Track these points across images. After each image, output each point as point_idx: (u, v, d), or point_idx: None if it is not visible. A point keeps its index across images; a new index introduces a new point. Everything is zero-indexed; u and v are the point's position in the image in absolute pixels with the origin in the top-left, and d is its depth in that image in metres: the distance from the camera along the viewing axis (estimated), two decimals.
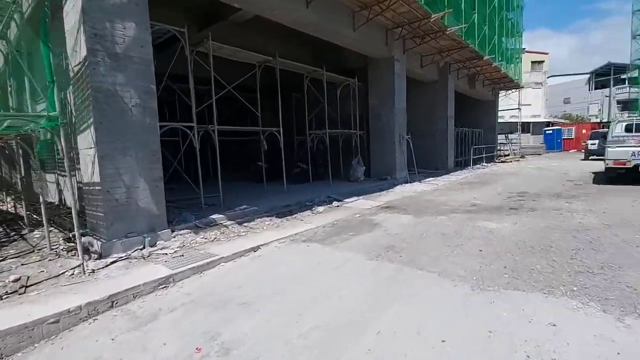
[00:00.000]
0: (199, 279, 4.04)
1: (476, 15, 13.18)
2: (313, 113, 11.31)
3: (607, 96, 39.35)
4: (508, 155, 24.32)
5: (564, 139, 30.24)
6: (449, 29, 10.59)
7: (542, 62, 36.93)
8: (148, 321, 3.09)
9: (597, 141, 18.65)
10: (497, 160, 21.27)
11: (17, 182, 7.92)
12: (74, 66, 4.77)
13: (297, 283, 3.70)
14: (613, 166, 9.21)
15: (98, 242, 4.68)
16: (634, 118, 11.69)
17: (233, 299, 3.41)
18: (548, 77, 39.86)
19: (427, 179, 12.48)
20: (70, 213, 4.16)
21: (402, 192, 9.83)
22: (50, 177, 6.57)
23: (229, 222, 6.25)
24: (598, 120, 34.42)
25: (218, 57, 8.41)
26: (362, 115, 12.27)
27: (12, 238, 5.81)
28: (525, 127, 31.87)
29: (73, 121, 5.18)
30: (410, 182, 11.50)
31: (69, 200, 5.01)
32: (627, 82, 36.05)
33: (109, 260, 4.43)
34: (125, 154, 4.78)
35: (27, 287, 3.66)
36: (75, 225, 4.05)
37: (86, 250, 4.69)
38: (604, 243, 4.45)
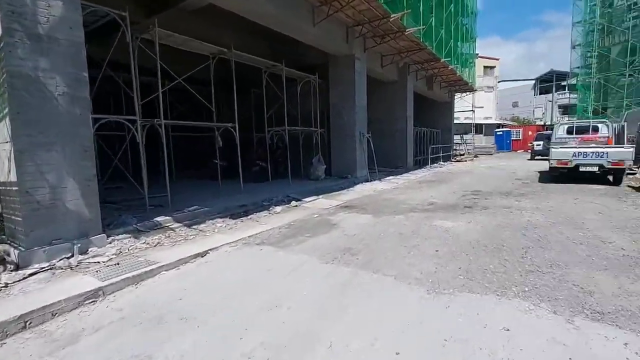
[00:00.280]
0: (134, 290, 3.61)
1: (434, 18, 13.50)
2: (272, 109, 10.96)
3: (550, 101, 42.56)
4: (463, 154, 25.43)
5: (512, 140, 32.25)
6: (407, 30, 10.70)
7: (494, 67, 39.09)
8: (67, 344, 2.64)
9: (542, 142, 20.01)
10: (453, 160, 22.12)
11: None
12: None
13: (246, 292, 3.40)
14: (556, 166, 9.79)
15: (15, 250, 4.06)
16: (574, 121, 12.58)
17: (171, 313, 3.05)
18: (499, 82, 42.33)
19: (388, 178, 12.59)
20: None
21: (362, 190, 9.78)
22: None
23: (176, 225, 5.77)
24: (542, 123, 37.12)
25: (172, 48, 7.83)
26: (323, 113, 12.11)
27: None
28: (478, 129, 33.56)
29: None
30: (371, 181, 11.52)
31: None
32: (567, 88, 39.18)
33: (28, 271, 3.85)
34: (49, 150, 4.18)
35: None
36: None
37: (1, 261, 4.06)
38: (551, 241, 4.59)
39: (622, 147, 9.53)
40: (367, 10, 9.32)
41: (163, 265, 4.17)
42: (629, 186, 9.22)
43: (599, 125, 11.64)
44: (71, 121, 4.34)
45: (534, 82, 47.16)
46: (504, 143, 32.17)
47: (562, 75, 40.55)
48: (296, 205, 7.66)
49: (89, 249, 4.43)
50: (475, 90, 23.94)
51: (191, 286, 3.62)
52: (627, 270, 3.53)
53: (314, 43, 9.97)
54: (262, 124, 11.18)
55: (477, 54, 26.93)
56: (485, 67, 37.97)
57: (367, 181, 11.41)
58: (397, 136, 15.80)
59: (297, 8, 8.43)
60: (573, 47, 27.11)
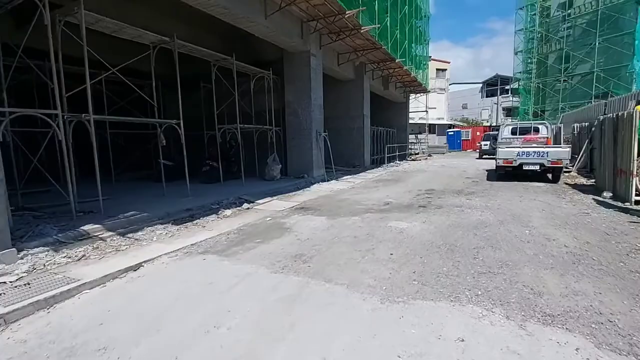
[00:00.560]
0: (45, 316, 3.04)
1: (389, 18, 13.61)
2: (223, 106, 10.36)
3: (495, 103, 45.42)
4: (418, 154, 26.24)
5: (462, 140, 33.93)
6: (363, 28, 10.64)
7: (445, 70, 40.84)
8: None
9: (488, 142, 21.15)
10: (408, 159, 22.71)
11: None
12: None
13: (181, 311, 2.98)
14: (502, 165, 10.25)
15: None
16: (518, 123, 13.33)
17: (87, 344, 2.57)
18: (450, 84, 44.38)
19: (345, 177, 12.50)
20: None
21: (319, 191, 9.56)
22: None
23: (107, 234, 5.12)
24: (489, 124, 39.48)
25: (112, 37, 7.04)
26: (278, 111, 11.72)
27: None
28: (432, 129, 34.89)
29: None
30: (328, 180, 11.34)
31: None
32: (510, 92, 42.04)
33: None
34: None
35: None
36: None
37: None
38: (500, 240, 4.63)
39: (561, 147, 10.19)
40: (321, 5, 9.09)
41: (85, 282, 3.60)
42: (566, 183, 9.88)
43: (540, 127, 12.43)
44: None
45: (481, 85, 50.10)
46: (455, 143, 33.76)
47: (506, 80, 43.44)
48: (248, 208, 7.23)
49: None
50: (429, 91, 24.78)
51: (117, 307, 3.13)
52: (572, 268, 3.59)
53: (267, 37, 9.55)
54: (213, 121, 10.56)
55: (430, 56, 27.94)
56: (437, 69, 39.53)
57: (324, 181, 11.22)
58: (355, 135, 15.81)
59: None
60: (515, 53, 29.06)
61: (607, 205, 6.64)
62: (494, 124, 36.18)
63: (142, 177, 12.10)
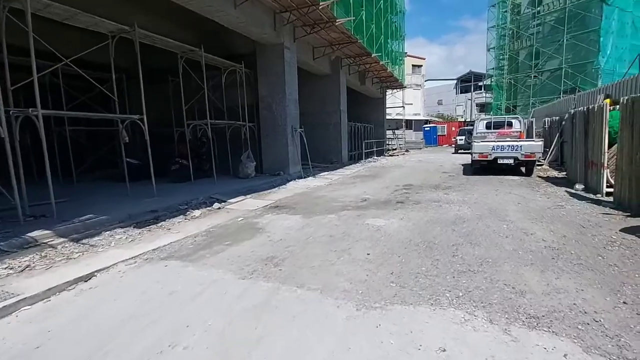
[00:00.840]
0: None
1: (364, 12, 13.43)
2: (193, 100, 9.87)
3: (469, 99, 46.45)
4: (395, 149, 26.36)
5: (438, 135, 34.44)
6: (338, 21, 10.38)
7: (421, 66, 41.35)
8: None
9: (464, 137, 21.47)
10: (386, 154, 22.75)
11: None
12: None
13: (134, 329, 2.64)
14: (478, 159, 10.29)
15: None
16: (492, 117, 13.49)
17: None
18: (425, 80, 45.00)
19: (322, 173, 12.26)
20: None
21: (295, 188, 9.26)
22: None
23: (58, 241, 4.64)
24: (463, 119, 40.33)
25: (69, 26, 6.44)
26: (252, 106, 11.30)
27: None
28: (408, 124, 35.22)
29: None
30: (304, 177, 11.06)
31: None
32: (483, 88, 43.05)
33: None
34: None
35: None
36: None
37: None
38: (479, 235, 4.51)
39: (534, 140, 10.35)
40: None
41: (26, 297, 3.18)
42: (539, 176, 10.04)
43: (513, 121, 12.62)
44: None
45: (455, 82, 51.11)
46: (432, 138, 34.22)
47: (479, 76, 44.46)
48: (219, 208, 6.85)
49: None
50: (405, 87, 24.89)
51: (59, 327, 2.74)
52: (551, 264, 3.48)
53: (237, 28, 9.11)
54: (183, 117, 10.03)
55: (406, 52, 28.11)
56: (413, 65, 39.95)
57: (301, 178, 10.93)
58: (332, 131, 15.59)
59: None
60: (488, 50, 29.68)
61: (580, 198, 6.71)
62: (469, 120, 36.98)
63: (107, 177, 11.39)
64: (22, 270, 3.78)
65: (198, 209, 6.68)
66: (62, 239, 4.70)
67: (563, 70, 21.68)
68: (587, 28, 20.54)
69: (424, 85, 43.89)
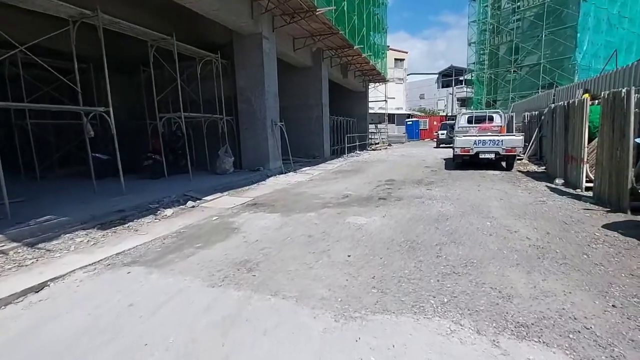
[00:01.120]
0: None
1: (346, 3, 13.12)
2: (167, 91, 9.38)
3: (450, 94, 46.95)
4: (378, 143, 26.32)
5: (420, 129, 34.66)
6: (318, 10, 10.04)
7: (403, 60, 41.33)
8: None
9: (445, 131, 21.57)
10: (369, 148, 22.65)
11: None
12: None
13: (84, 348, 2.32)
14: (460, 153, 10.24)
15: None
16: (474, 112, 13.52)
17: None
18: (408, 75, 45.11)
19: (303, 169, 11.99)
20: None
21: (275, 184, 8.96)
22: None
23: (10, 245, 4.21)
24: (445, 114, 40.73)
25: (24, 10, 5.87)
26: (229, 98, 10.87)
27: None
28: (391, 118, 35.28)
29: None
30: (285, 173, 10.76)
31: None
32: (464, 83, 43.57)
33: None
34: None
35: None
36: None
37: None
38: (462, 234, 4.37)
39: (514, 135, 10.37)
40: None
41: None
42: (519, 171, 10.09)
43: (494, 115, 12.67)
44: None
45: (437, 76, 51.53)
46: (414, 132, 34.41)
47: (460, 71, 44.96)
48: (193, 206, 6.49)
49: None
50: (388, 80, 24.78)
51: None
52: (537, 264, 3.36)
53: (212, 16, 8.64)
54: (159, 109, 9.53)
55: (389, 46, 27.98)
56: (395, 59, 39.88)
57: (281, 173, 10.62)
58: (313, 125, 15.30)
59: None
60: (469, 44, 29.92)
61: (560, 193, 6.71)
62: (450, 114, 37.35)
63: (75, 173, 10.75)
64: None
65: (170, 207, 6.31)
66: (14, 244, 4.26)
67: (541, 65, 22.05)
68: (565, 24, 20.92)
69: (407, 80, 43.99)
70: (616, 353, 2.04)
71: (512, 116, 15.42)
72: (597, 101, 7.90)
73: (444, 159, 14.01)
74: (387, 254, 3.77)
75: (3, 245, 4.21)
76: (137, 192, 7.29)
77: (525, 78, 23.77)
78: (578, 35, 19.94)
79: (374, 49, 19.43)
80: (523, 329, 2.30)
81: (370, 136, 25.75)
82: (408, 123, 35.42)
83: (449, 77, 48.70)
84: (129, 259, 3.97)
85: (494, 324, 2.36)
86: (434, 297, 2.77)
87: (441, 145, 21.81)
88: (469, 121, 12.82)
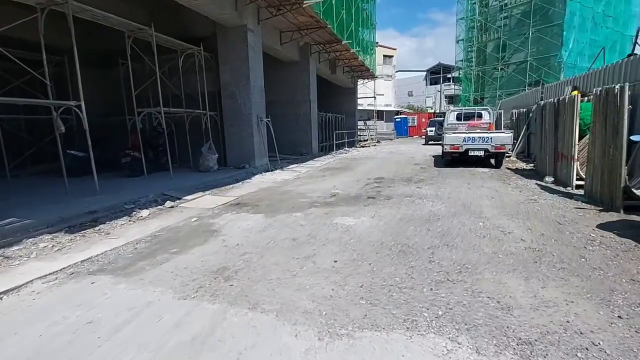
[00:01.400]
0: None
1: None
2: (146, 84, 8.94)
3: (438, 91, 47.16)
4: (367, 140, 26.15)
5: (409, 126, 34.64)
6: (305, 2, 9.71)
7: (392, 56, 41.31)
8: None
9: (434, 128, 21.53)
10: (357, 145, 22.46)
11: None
12: None
13: None
14: (450, 150, 10.10)
15: None
16: (463, 109, 13.41)
17: None
18: (396, 72, 45.08)
19: (290, 166, 11.68)
20: None
21: (260, 182, 8.64)
22: None
23: None
24: (433, 110, 40.87)
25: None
26: (214, 93, 10.47)
27: None
28: (380, 115, 35.21)
29: None
30: (272, 170, 10.44)
31: None
32: (452, 80, 43.77)
33: None
34: None
35: None
36: None
37: None
38: (455, 236, 4.16)
39: (504, 132, 10.28)
40: None
41: None
42: (508, 168, 10.01)
43: (483, 112, 12.58)
44: None
45: (425, 73, 51.68)
46: (402, 129, 34.37)
47: (448, 68, 45.13)
48: (172, 207, 6.14)
49: None
50: (377, 77, 24.58)
51: None
52: (534, 269, 3.17)
53: (193, 6, 8.21)
54: (139, 104, 9.08)
55: (377, 42, 27.78)
56: (384, 56, 39.82)
57: (268, 171, 10.30)
58: (301, 121, 14.98)
59: None
60: (457, 42, 29.94)
61: (551, 191, 6.60)
62: (438, 111, 37.48)
63: (49, 171, 10.20)
64: None
65: (147, 208, 5.94)
66: None
67: (528, 63, 22.18)
68: (552, 22, 21.06)
69: (395, 76, 43.96)
70: None
71: (500, 113, 15.41)
72: (586, 98, 7.84)
73: (433, 156, 13.90)
74: (377, 259, 3.53)
75: None
76: (113, 192, 6.89)
77: (512, 75, 23.91)
78: (564, 33, 20.10)
79: (362, 44, 19.15)
80: (527, 346, 2.08)
81: (359, 133, 25.56)
82: (397, 120, 35.37)
83: (437, 74, 48.90)
84: (96, 267, 3.63)
85: (494, 341, 2.14)
86: (428, 309, 2.54)
87: (430, 142, 21.76)
88: (458, 118, 12.70)
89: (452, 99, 44.13)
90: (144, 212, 5.65)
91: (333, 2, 12.63)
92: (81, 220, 5.18)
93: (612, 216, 4.81)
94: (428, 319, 2.41)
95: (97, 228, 4.92)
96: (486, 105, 20.27)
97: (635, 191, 5.18)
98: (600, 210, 5.10)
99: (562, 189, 6.70)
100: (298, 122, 14.87)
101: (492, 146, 9.62)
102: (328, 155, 15.77)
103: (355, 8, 16.63)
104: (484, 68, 26.88)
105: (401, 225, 4.69)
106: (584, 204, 5.55)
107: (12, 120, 10.58)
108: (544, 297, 2.65)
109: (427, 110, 44.27)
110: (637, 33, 11.25)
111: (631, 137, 4.95)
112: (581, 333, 2.20)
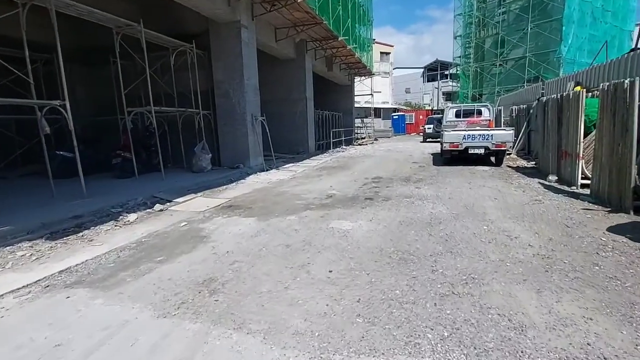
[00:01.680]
0: None
1: None
2: (136, 82, 8.65)
3: (436, 88, 46.91)
4: (364, 138, 25.89)
5: (407, 123, 34.37)
6: None
7: (389, 53, 40.98)
8: None
9: (432, 125, 21.29)
10: (355, 143, 22.19)
11: None
12: None
13: None
14: (449, 149, 9.85)
15: None
16: (462, 105, 13.17)
17: None
18: (394, 69, 44.77)
19: (286, 165, 11.42)
20: None
21: (255, 183, 8.38)
22: None
23: None
24: (430, 108, 40.63)
25: None
26: (207, 92, 10.19)
27: None
28: (377, 113, 34.91)
29: None
30: (267, 170, 10.18)
31: None
32: (449, 77, 43.52)
33: None
34: None
35: None
36: None
37: None
38: (459, 241, 3.92)
39: (505, 129, 10.04)
40: None
41: None
42: (508, 166, 9.79)
43: (482, 109, 12.34)
44: None
45: (422, 70, 51.37)
46: (400, 126, 34.09)
47: (445, 65, 44.89)
48: (161, 210, 5.87)
49: None
50: (374, 74, 24.30)
51: None
52: (546, 279, 2.93)
53: (183, 1, 7.92)
54: (131, 103, 8.79)
55: (374, 39, 27.46)
56: (381, 52, 39.49)
57: (263, 170, 10.04)
58: (297, 119, 14.70)
59: None
60: (455, 38, 29.68)
61: (555, 190, 6.37)
62: (436, 108, 37.25)
63: (39, 172, 9.89)
64: None
65: (135, 211, 5.68)
66: None
67: (527, 58, 21.95)
68: (550, 17, 20.82)
69: (392, 73, 43.66)
70: None
71: (500, 110, 15.18)
72: (591, 94, 7.61)
73: (432, 154, 13.67)
74: (375, 268, 3.29)
75: None
76: (102, 194, 6.62)
77: (511, 71, 23.68)
78: (563, 28, 19.86)
79: (359, 41, 18.85)
80: None
81: (356, 131, 25.29)
82: (394, 117, 35.09)
83: (434, 71, 48.62)
84: (74, 279, 3.37)
85: None
86: (432, 328, 2.30)
87: (428, 140, 21.53)
88: (457, 115, 12.46)
89: (449, 96, 43.88)
90: (132, 216, 5.38)
91: None
92: (64, 225, 4.91)
93: (622, 218, 4.59)
94: (432, 342, 2.16)
95: (80, 234, 4.66)
96: (485, 102, 20.06)
97: None
98: (609, 212, 4.88)
99: (566, 188, 6.48)
100: (294, 120, 14.60)
101: (493, 144, 9.39)
102: (325, 154, 15.51)
103: (352, 4, 16.32)
104: (482, 64, 26.62)
105: (401, 229, 4.45)
106: (590, 204, 5.33)
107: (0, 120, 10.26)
108: (560, 314, 2.42)
109: (424, 107, 44.03)
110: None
111: None
112: (605, 359, 1.97)
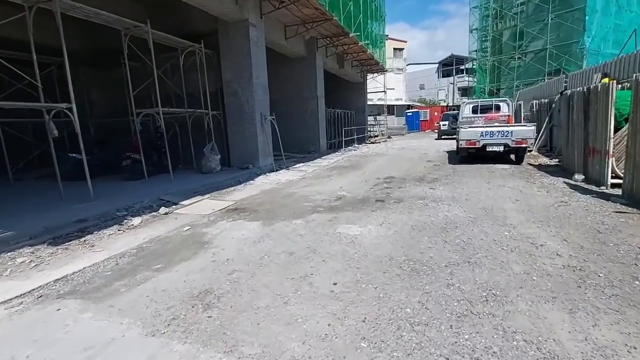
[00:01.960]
0: None
1: None
2: (143, 85, 8.57)
3: (451, 83, 45.83)
4: (377, 136, 25.45)
5: (421, 120, 33.72)
6: None
7: (402, 49, 40.17)
8: None
9: (447, 122, 20.67)
10: (367, 141, 21.80)
11: None
12: None
13: None
14: (465, 146, 9.41)
15: None
16: (479, 100, 12.63)
17: None
18: (407, 65, 43.92)
19: (297, 165, 11.20)
20: None
21: (263, 184, 8.19)
22: None
23: None
24: (446, 104, 39.71)
25: None
26: (216, 92, 10.07)
27: None
28: (390, 110, 34.30)
29: None
30: (277, 170, 9.99)
31: None
32: (465, 72, 42.42)
33: None
34: None
35: None
36: None
37: None
38: (477, 248, 3.60)
39: (525, 125, 9.53)
40: None
41: None
42: (529, 164, 9.29)
43: (501, 104, 11.79)
44: None
45: (437, 65, 50.27)
46: (414, 123, 33.46)
47: (460, 60, 43.76)
48: (166, 213, 5.73)
49: None
50: (387, 70, 23.81)
51: None
52: (579, 297, 2.59)
53: (191, 0, 7.78)
54: (141, 105, 8.75)
55: (387, 35, 26.92)
56: (395, 49, 38.75)
57: (272, 171, 9.85)
58: (308, 118, 14.45)
59: None
60: (471, 31, 28.79)
61: (582, 191, 5.92)
62: (451, 104, 36.37)
63: (52, 174, 9.98)
64: None
65: (140, 215, 5.56)
66: None
67: (547, 51, 21.03)
68: (572, 7, 19.85)
69: (406, 70, 42.83)
70: None
71: (519, 105, 14.53)
72: (620, 85, 7.08)
73: (447, 152, 13.20)
74: (384, 280, 3.01)
75: None
76: (108, 197, 6.55)
77: (530, 64, 22.75)
78: (586, 18, 18.89)
79: (371, 37, 18.44)
80: None
81: (369, 128, 24.88)
82: (408, 114, 34.46)
83: (449, 66, 47.49)
84: (68, 288, 3.22)
85: None
86: (447, 358, 2.01)
87: (443, 137, 20.93)
88: (474, 111, 11.95)
89: (465, 91, 42.79)
90: (136, 220, 5.26)
91: None
92: (67, 230, 4.82)
93: None
94: None
95: (82, 239, 4.55)
96: (503, 97, 19.33)
97: None
98: None
99: (595, 188, 6.01)
100: (305, 119, 14.36)
101: (513, 140, 8.91)
102: (336, 153, 15.23)
103: (363, 0, 15.95)
104: (499, 58, 25.71)
105: (413, 235, 4.14)
106: (623, 206, 4.88)
107: (14, 124, 10.41)
108: (598, 341, 2.09)
109: (439, 103, 43.09)
110: None
111: None
112: None
